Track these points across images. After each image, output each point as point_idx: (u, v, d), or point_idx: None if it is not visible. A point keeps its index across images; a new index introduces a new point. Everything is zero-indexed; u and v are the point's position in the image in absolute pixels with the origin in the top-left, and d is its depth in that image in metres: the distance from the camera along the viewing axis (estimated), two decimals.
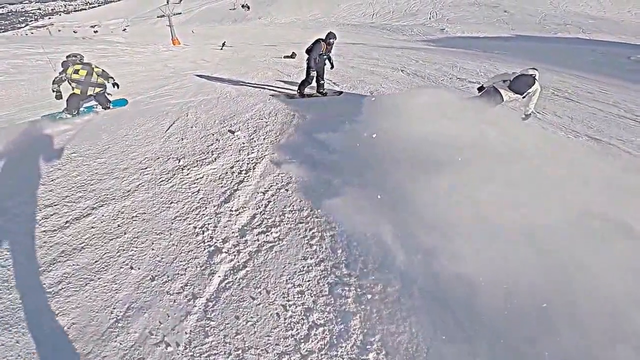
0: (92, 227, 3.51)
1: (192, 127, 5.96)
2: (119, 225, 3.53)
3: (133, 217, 3.64)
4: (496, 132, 4.75)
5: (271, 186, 4.11)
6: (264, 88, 8.89)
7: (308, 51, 7.42)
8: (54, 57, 13.35)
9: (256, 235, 3.34)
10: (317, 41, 7.36)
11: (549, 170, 3.83)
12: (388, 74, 9.98)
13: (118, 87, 6.94)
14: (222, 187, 4.10)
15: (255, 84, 9.43)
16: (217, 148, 5.11)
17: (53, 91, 6.44)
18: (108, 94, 7.00)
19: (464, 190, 3.40)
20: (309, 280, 2.89)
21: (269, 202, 3.81)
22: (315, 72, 7.50)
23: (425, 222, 3.20)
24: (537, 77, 5.18)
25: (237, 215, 3.61)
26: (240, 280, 2.90)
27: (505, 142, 4.43)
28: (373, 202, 3.54)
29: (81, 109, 6.81)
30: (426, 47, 20.76)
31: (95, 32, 59.56)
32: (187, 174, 4.36)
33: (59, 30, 70.86)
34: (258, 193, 3.97)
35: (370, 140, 4.48)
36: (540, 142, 5.03)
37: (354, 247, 3.17)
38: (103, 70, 6.77)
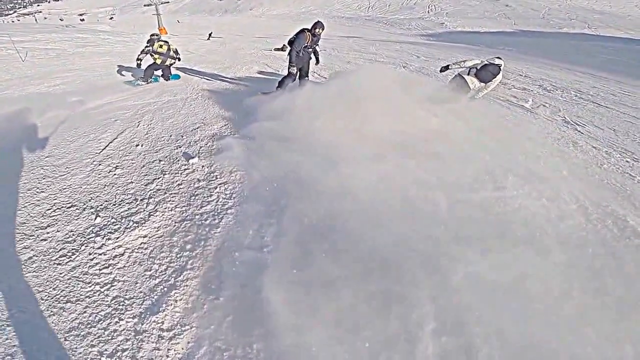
0: None
1: (137, 146, 4.49)
2: None
3: (7, 319, 2.19)
4: None
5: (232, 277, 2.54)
6: (246, 86, 7.66)
7: (290, 42, 6.20)
8: (27, 46, 12.00)
9: None
10: (302, 31, 6.10)
11: None
12: None
13: (180, 60, 8.59)
14: (151, 276, 2.55)
15: (237, 80, 8.30)
16: (158, 190, 3.58)
17: (137, 59, 8.03)
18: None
19: None
20: None
21: (227, 315, 2.25)
22: (297, 68, 6.35)
23: None
24: (502, 67, 5.27)
25: (170, 339, 2.11)
26: None
27: None
28: None
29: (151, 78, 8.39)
30: (426, 41, 19.62)
31: (82, 20, 57.59)
32: (100, 247, 2.81)
33: (45, 18, 68.37)
34: (209, 292, 2.41)
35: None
36: None
37: None
38: (175, 48, 8.45)
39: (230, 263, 2.63)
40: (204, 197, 3.45)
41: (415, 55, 11.12)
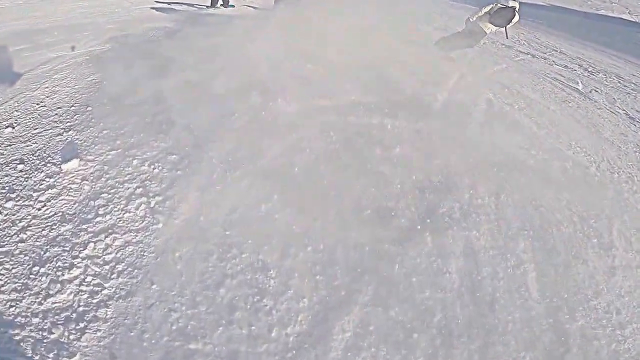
0: None
1: (7, 129, 3.14)
2: None
3: None
4: None
5: None
6: (230, 20, 7.00)
7: None
8: None
9: None
10: None
11: None
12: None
13: None
14: None
15: (214, 20, 7.59)
16: None
17: None
18: None
19: None
20: None
21: None
22: None
23: None
24: (517, 9, 5.15)
25: None
26: None
27: None
28: None
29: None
30: (451, 2, 17.60)
31: None
32: None
33: None
34: None
35: None
36: None
37: None
38: None
39: None
40: (60, 269, 1.75)
41: (437, 14, 10.84)
